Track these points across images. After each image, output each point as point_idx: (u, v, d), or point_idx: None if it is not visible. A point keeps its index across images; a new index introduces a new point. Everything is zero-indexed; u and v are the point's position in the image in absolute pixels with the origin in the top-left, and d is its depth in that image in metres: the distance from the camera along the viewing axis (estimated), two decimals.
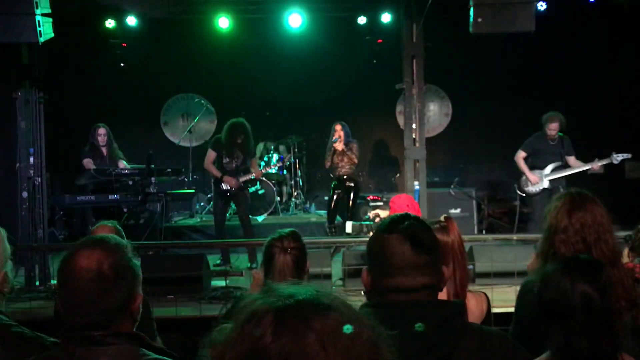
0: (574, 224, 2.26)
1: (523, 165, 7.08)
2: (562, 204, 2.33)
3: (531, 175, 7.01)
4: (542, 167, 7.05)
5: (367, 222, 5.69)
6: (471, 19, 5.58)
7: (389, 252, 1.53)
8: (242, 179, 7.14)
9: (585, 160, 7.07)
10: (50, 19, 5.41)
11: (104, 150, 7.47)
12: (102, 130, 7.44)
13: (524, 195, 7.19)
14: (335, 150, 7.29)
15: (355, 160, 7.34)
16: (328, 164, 7.45)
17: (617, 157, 6.89)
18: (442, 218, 2.57)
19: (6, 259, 1.80)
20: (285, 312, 0.85)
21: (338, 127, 7.31)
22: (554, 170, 7.00)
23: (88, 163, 7.20)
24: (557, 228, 2.29)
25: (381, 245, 1.56)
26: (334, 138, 7.28)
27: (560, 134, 7.05)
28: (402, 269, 1.51)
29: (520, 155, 7.11)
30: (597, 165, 6.90)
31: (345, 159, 7.31)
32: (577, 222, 2.26)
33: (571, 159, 7.04)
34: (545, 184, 7.01)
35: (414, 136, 6.75)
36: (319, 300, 0.88)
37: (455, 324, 1.51)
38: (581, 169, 6.97)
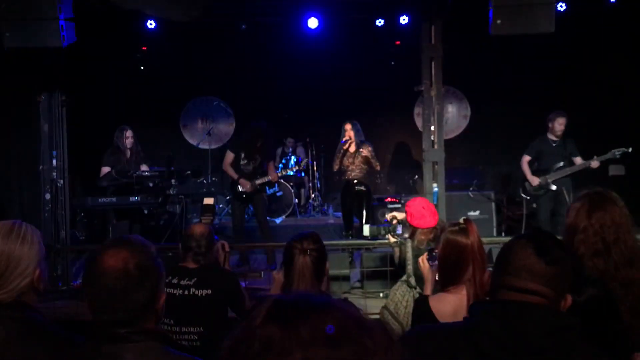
0: (593, 224, 2.27)
1: (525, 169, 7.22)
2: (582, 204, 2.33)
3: (532, 178, 7.14)
4: (547, 168, 7.10)
5: (385, 225, 5.64)
6: (490, 21, 5.55)
7: (512, 252, 1.58)
8: (258, 181, 7.18)
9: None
10: (73, 24, 5.50)
11: (128, 152, 7.24)
12: (129, 133, 7.18)
13: (529, 197, 7.27)
14: (345, 152, 6.88)
15: (377, 168, 7.01)
16: (337, 166, 7.01)
17: (617, 153, 6.83)
18: (461, 220, 2.58)
19: (41, 259, 1.86)
20: (279, 304, 0.88)
21: (348, 126, 6.86)
22: (557, 171, 7.02)
23: (105, 171, 7.04)
24: (577, 228, 2.29)
25: (509, 246, 1.62)
26: (344, 139, 6.86)
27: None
28: (519, 270, 1.54)
29: (525, 159, 7.26)
30: (596, 163, 6.88)
31: (357, 162, 6.87)
32: (597, 222, 2.26)
33: (577, 160, 7.04)
34: (551, 186, 7.00)
35: (432, 138, 6.69)
36: (318, 303, 0.88)
37: (568, 338, 1.46)
38: (581, 168, 6.95)
